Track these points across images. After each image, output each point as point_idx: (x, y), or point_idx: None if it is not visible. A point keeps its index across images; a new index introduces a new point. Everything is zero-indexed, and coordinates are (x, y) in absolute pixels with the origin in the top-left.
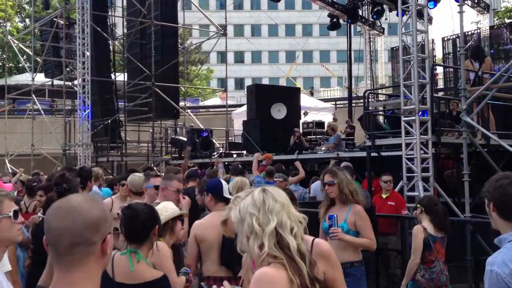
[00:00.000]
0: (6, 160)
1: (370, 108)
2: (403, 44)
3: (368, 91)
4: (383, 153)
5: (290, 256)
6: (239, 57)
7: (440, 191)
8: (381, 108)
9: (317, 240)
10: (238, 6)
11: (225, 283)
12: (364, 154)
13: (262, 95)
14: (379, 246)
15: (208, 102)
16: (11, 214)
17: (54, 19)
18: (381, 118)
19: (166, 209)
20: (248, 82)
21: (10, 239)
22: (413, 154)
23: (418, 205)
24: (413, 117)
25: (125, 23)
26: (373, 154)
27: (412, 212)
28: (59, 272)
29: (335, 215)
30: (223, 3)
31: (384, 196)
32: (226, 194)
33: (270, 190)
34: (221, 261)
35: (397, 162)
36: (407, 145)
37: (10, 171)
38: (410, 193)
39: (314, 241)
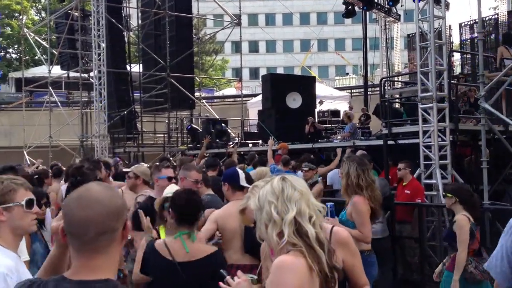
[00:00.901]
0: (25, 152)
1: (386, 96)
2: (420, 30)
3: (384, 79)
4: (400, 141)
5: (309, 244)
6: (253, 47)
7: (458, 178)
8: (397, 96)
9: (336, 228)
10: None
11: (239, 273)
12: (380, 142)
13: (277, 85)
14: (396, 234)
15: (223, 92)
16: (23, 203)
17: (69, 11)
18: (397, 106)
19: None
20: (262, 72)
21: (23, 228)
22: (430, 142)
23: (450, 195)
24: (431, 104)
25: (139, 14)
26: (389, 142)
27: (430, 200)
28: (81, 259)
29: (332, 204)
30: None
31: (404, 184)
32: (243, 183)
33: (289, 178)
34: (245, 249)
35: (414, 150)
36: (425, 132)
37: (29, 162)
38: (428, 181)
39: (333, 229)
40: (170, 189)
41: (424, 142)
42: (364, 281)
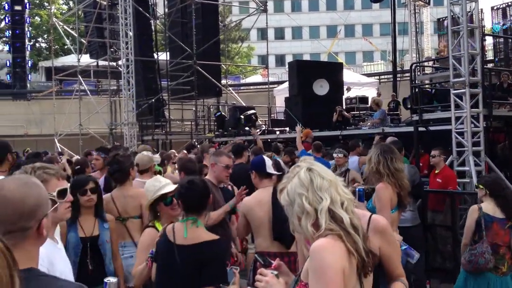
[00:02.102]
0: (56, 140)
1: (417, 81)
2: (452, 14)
3: (414, 64)
4: (432, 128)
5: (345, 229)
6: (279, 34)
7: (492, 165)
8: (427, 81)
9: (374, 215)
10: None
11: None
12: (411, 129)
13: (304, 71)
14: (428, 222)
15: (249, 80)
16: (54, 194)
17: (97, 0)
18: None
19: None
20: (289, 59)
21: (57, 216)
22: (463, 128)
23: (481, 186)
24: (463, 90)
25: (166, 2)
26: (420, 128)
27: (463, 188)
28: None
29: (362, 188)
30: None
31: (436, 172)
32: (269, 170)
33: (316, 168)
34: (274, 237)
35: (446, 137)
36: (457, 118)
37: (60, 150)
38: (460, 168)
39: (372, 217)
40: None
41: (456, 129)
42: (400, 272)
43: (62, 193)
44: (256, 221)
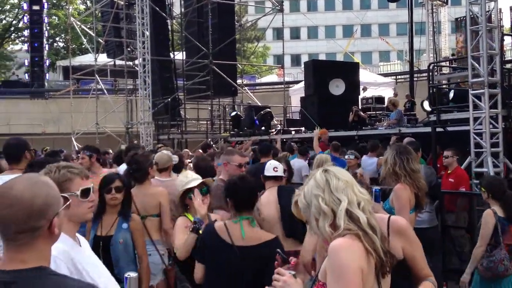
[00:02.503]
0: (73, 138)
1: (435, 81)
2: (471, 14)
3: (432, 64)
4: (449, 128)
5: (362, 228)
6: (295, 33)
7: (510, 166)
8: (444, 82)
9: (393, 217)
10: None
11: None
12: (428, 129)
13: (319, 71)
14: (444, 224)
15: (265, 79)
16: (78, 193)
17: (114, 0)
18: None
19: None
20: (304, 58)
21: (79, 216)
22: (481, 129)
23: (483, 189)
24: (482, 90)
25: (182, 2)
26: (438, 129)
27: (479, 189)
28: (9, 253)
29: (379, 189)
30: None
31: (448, 172)
32: (267, 173)
33: (331, 169)
34: (286, 234)
35: (464, 138)
36: (475, 119)
37: (77, 148)
38: (479, 169)
39: (390, 218)
40: (185, 178)
41: (475, 130)
42: (426, 272)
43: (85, 192)
44: (267, 223)
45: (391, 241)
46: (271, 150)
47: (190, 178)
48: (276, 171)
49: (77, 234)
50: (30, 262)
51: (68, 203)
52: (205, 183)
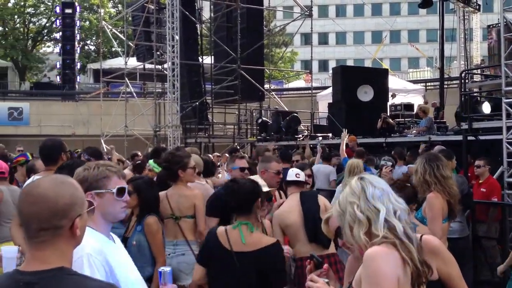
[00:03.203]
0: (102, 140)
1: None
2: (505, 21)
3: (464, 72)
4: (481, 137)
5: (399, 237)
6: (323, 39)
7: None
8: (475, 90)
9: (425, 236)
10: None
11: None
12: (458, 138)
13: (348, 77)
14: (475, 234)
15: (292, 85)
16: (114, 190)
17: (145, 4)
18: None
19: None
20: (332, 64)
21: (113, 214)
22: None
23: None
24: None
25: (212, 7)
26: (469, 138)
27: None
28: (32, 250)
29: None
30: None
31: (480, 182)
32: (289, 178)
33: (367, 177)
34: (310, 239)
35: (496, 147)
36: (508, 128)
37: (106, 150)
38: (511, 179)
39: (423, 238)
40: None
41: (508, 139)
42: None
43: (121, 191)
44: (291, 228)
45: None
46: (292, 156)
47: (262, 183)
48: (298, 177)
49: (111, 233)
50: (51, 261)
51: (92, 207)
52: (269, 193)
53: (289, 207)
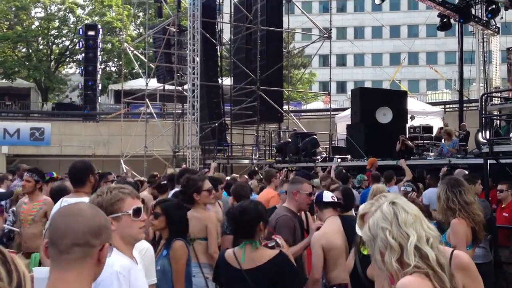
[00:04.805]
0: (122, 161)
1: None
2: None
3: (485, 94)
4: (502, 160)
5: (431, 266)
6: (341, 60)
7: None
8: (495, 112)
9: (456, 251)
10: (341, 9)
11: None
12: (479, 161)
13: (367, 99)
14: (497, 259)
15: (310, 106)
16: (130, 212)
17: (166, 26)
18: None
19: None
20: (350, 86)
21: (132, 236)
22: None
23: None
24: None
25: (232, 29)
26: (490, 161)
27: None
28: (58, 271)
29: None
30: (327, 6)
31: (503, 206)
32: (326, 199)
33: (399, 202)
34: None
35: None
36: None
37: (125, 171)
38: None
39: (454, 253)
40: None
41: None
42: None
43: (137, 212)
44: (335, 252)
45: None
46: (310, 178)
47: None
48: (334, 199)
49: (134, 253)
50: (74, 285)
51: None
52: None
53: (331, 230)
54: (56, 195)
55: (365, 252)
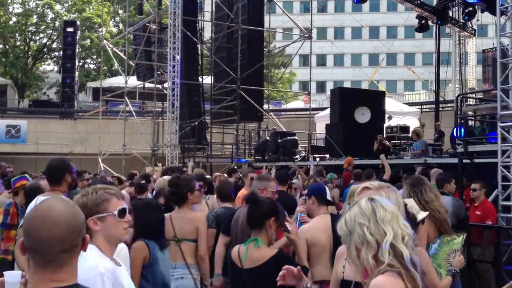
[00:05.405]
0: (99, 159)
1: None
2: (501, 46)
3: (461, 95)
4: (477, 160)
5: (405, 265)
6: (321, 60)
7: None
8: (470, 113)
9: None
10: (322, 9)
11: None
12: (454, 160)
13: (346, 99)
14: (469, 257)
15: (290, 105)
16: (116, 212)
17: (147, 24)
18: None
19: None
20: (329, 86)
21: (116, 236)
22: (509, 162)
23: None
24: (511, 123)
25: (213, 27)
26: (465, 160)
27: (507, 222)
28: (46, 273)
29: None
30: (308, 6)
31: (475, 205)
32: (329, 197)
33: (377, 199)
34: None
35: (491, 170)
36: (503, 152)
37: (103, 169)
38: (506, 203)
39: None
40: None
41: (502, 162)
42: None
43: (122, 212)
44: (319, 248)
45: None
46: (289, 179)
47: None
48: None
49: (115, 257)
50: (66, 280)
51: None
52: None
53: (318, 227)
54: (30, 194)
55: None
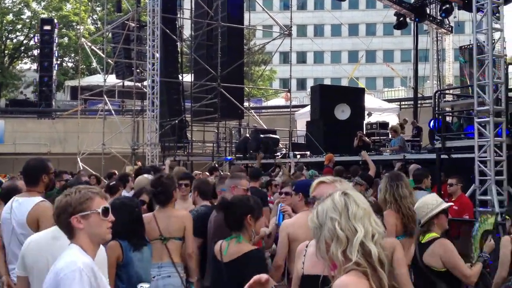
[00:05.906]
0: (78, 159)
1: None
2: (478, 43)
3: (438, 92)
4: (454, 155)
5: (372, 264)
6: (301, 58)
7: None
8: (447, 109)
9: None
10: (302, 6)
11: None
12: (432, 156)
13: (326, 96)
14: None
15: (271, 103)
16: (99, 210)
17: (126, 21)
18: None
19: (426, 205)
20: (310, 83)
21: (100, 235)
22: (486, 157)
23: (507, 217)
24: (487, 118)
25: (192, 25)
26: (443, 156)
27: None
28: None
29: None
30: (287, 3)
31: (453, 199)
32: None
33: (351, 193)
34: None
35: (468, 165)
36: (480, 147)
37: (82, 169)
38: (483, 197)
39: None
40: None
41: (479, 157)
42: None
43: (105, 211)
44: (298, 244)
45: None
46: (261, 176)
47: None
48: None
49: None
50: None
51: None
52: None
53: (300, 222)
54: (6, 195)
55: (423, 241)
